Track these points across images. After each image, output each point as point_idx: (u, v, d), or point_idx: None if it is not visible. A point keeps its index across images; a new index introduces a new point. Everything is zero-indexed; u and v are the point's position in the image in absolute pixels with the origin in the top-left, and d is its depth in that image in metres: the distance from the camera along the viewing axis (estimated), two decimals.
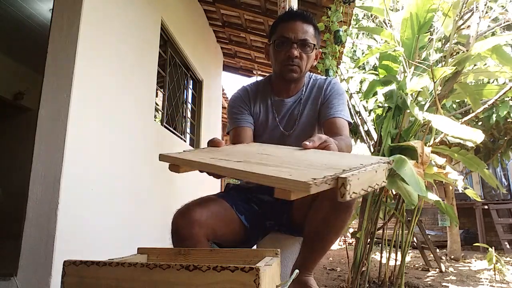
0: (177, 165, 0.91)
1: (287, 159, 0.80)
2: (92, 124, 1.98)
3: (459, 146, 2.06)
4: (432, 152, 1.78)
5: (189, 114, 4.10)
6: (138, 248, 1.04)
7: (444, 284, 2.67)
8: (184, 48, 3.63)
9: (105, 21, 2.14)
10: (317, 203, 1.13)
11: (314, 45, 1.26)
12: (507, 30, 3.90)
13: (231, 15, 4.47)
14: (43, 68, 1.81)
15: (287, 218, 1.31)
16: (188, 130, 4.06)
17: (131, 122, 2.45)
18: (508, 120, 4.06)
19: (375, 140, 2.34)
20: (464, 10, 2.00)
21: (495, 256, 2.52)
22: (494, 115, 3.89)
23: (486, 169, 1.93)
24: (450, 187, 4.63)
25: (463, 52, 1.96)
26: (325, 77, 1.39)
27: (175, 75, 3.63)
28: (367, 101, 3.09)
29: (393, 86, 2.11)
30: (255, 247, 1.42)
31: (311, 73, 1.42)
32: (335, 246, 6.45)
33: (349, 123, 1.30)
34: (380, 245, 2.50)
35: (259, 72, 5.77)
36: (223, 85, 5.73)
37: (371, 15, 4.82)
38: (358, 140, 5.45)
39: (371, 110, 3.87)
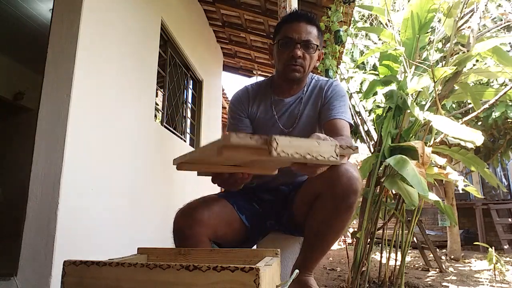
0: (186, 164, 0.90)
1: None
2: (92, 124, 1.98)
3: (459, 146, 2.06)
4: (433, 152, 1.78)
5: (189, 114, 4.10)
6: (138, 248, 1.04)
7: (444, 284, 2.67)
8: (184, 48, 3.63)
9: (105, 21, 2.14)
10: (318, 203, 1.13)
11: (317, 46, 1.28)
12: (507, 30, 3.90)
13: (231, 15, 4.47)
14: (43, 68, 1.81)
15: (287, 218, 1.32)
16: (188, 130, 4.06)
17: (131, 122, 2.45)
18: (508, 120, 4.06)
19: (375, 140, 2.34)
20: (465, 11, 2.00)
21: (495, 256, 2.52)
22: (493, 114, 3.90)
23: (487, 168, 1.93)
24: (450, 187, 4.63)
25: (464, 52, 1.96)
26: (327, 79, 1.40)
27: (175, 75, 3.63)
28: (366, 101, 3.09)
29: (393, 86, 2.11)
30: (255, 247, 1.42)
31: (314, 74, 1.43)
32: (335, 246, 6.45)
33: (350, 125, 1.30)
34: (380, 245, 2.50)
35: (259, 72, 5.77)
36: (223, 85, 5.73)
37: (369, 16, 4.83)
38: (358, 140, 5.46)
39: (370, 110, 3.87)
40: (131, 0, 2.51)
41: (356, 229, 2.06)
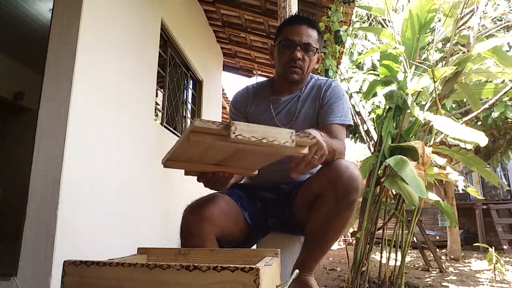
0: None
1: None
2: (92, 124, 1.98)
3: (459, 146, 2.06)
4: (433, 152, 1.78)
5: (189, 114, 4.10)
6: (138, 248, 1.04)
7: (444, 284, 2.67)
8: (184, 48, 3.63)
9: (105, 21, 2.14)
10: (319, 202, 1.13)
11: (317, 49, 1.31)
12: (507, 30, 3.90)
13: (231, 15, 4.47)
14: (43, 68, 1.81)
15: (288, 217, 1.32)
16: None
17: (131, 122, 2.45)
18: (508, 120, 4.06)
19: (375, 140, 2.34)
20: (465, 11, 2.00)
21: (495, 256, 2.52)
22: (493, 114, 3.90)
23: (487, 167, 1.93)
24: (450, 187, 4.63)
25: (464, 52, 1.96)
26: (326, 79, 1.42)
27: (175, 75, 3.63)
28: (366, 102, 3.09)
29: (393, 86, 2.11)
30: (255, 246, 1.42)
31: (313, 74, 1.45)
32: (335, 246, 6.45)
33: (349, 126, 1.32)
34: (380, 245, 2.50)
35: (259, 72, 5.77)
36: (223, 85, 5.73)
37: (369, 17, 4.83)
38: (358, 140, 5.46)
39: (370, 111, 3.87)
40: (131, 0, 2.51)
41: (356, 229, 2.06)
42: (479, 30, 2.00)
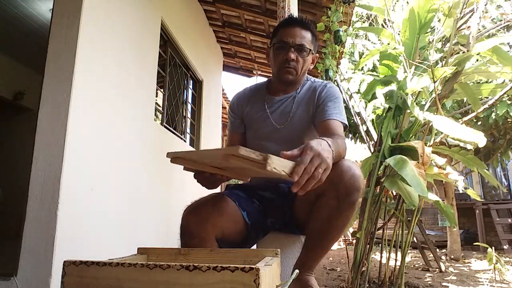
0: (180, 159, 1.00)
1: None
2: (92, 124, 1.98)
3: (459, 146, 2.06)
4: (432, 152, 1.78)
5: (189, 114, 4.10)
6: (138, 248, 1.04)
7: (444, 284, 2.67)
8: (184, 48, 3.63)
9: (105, 21, 2.14)
10: (321, 201, 1.14)
11: (310, 50, 1.34)
12: (507, 30, 3.90)
13: (231, 15, 4.47)
14: (43, 68, 1.81)
15: (288, 216, 1.32)
16: (188, 130, 4.06)
17: (131, 122, 2.45)
18: (508, 119, 4.06)
19: (375, 140, 2.34)
20: (464, 11, 2.00)
21: (495, 256, 2.52)
22: (493, 114, 3.89)
23: (486, 169, 1.93)
24: (450, 187, 4.63)
25: (463, 52, 1.96)
26: (322, 81, 1.44)
27: (175, 75, 3.63)
28: (366, 105, 3.09)
29: (393, 86, 2.11)
30: (254, 246, 1.42)
31: (310, 76, 1.47)
32: (335, 246, 6.45)
33: (345, 126, 1.31)
34: (380, 245, 2.50)
35: (259, 72, 5.77)
36: (223, 85, 5.73)
37: (368, 17, 4.83)
38: (358, 140, 5.45)
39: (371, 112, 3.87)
40: (131, 0, 2.51)
41: (356, 229, 2.06)
42: (479, 30, 2.00)
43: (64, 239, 1.66)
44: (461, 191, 1.85)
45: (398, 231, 2.19)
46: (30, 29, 3.87)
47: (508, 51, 3.61)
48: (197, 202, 1.20)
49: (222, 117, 5.54)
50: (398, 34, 2.07)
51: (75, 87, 1.80)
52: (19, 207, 1.80)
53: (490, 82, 3.50)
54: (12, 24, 3.79)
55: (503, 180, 7.40)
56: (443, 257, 4.47)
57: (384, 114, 2.12)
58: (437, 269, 3.37)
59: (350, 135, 5.37)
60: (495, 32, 2.93)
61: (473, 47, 1.87)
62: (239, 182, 1.52)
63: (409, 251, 4.06)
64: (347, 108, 4.44)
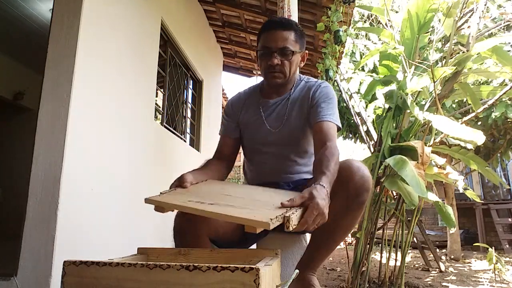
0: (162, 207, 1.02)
1: (245, 200, 1.02)
2: (92, 124, 1.98)
3: (459, 146, 2.06)
4: (432, 152, 1.78)
5: (189, 114, 4.10)
6: (138, 248, 1.04)
7: (444, 284, 2.67)
8: (184, 48, 3.63)
9: (105, 21, 2.14)
10: (330, 201, 1.13)
11: (294, 51, 1.30)
12: (507, 30, 3.90)
13: (231, 15, 4.47)
14: (43, 68, 1.81)
15: None
16: (188, 130, 4.06)
17: (131, 122, 2.45)
18: (508, 120, 4.06)
19: (375, 140, 2.34)
20: (464, 10, 2.00)
21: (495, 256, 2.52)
22: (493, 114, 3.89)
23: (487, 167, 1.93)
24: (450, 187, 4.63)
25: (463, 52, 1.96)
26: (316, 80, 1.42)
27: (175, 75, 3.62)
28: (366, 105, 3.09)
29: (393, 86, 2.11)
30: (254, 246, 1.42)
31: (304, 76, 1.46)
32: None
33: (338, 127, 1.30)
34: (380, 245, 2.50)
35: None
36: (223, 85, 5.73)
37: (369, 17, 4.83)
38: (358, 140, 5.45)
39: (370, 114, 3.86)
40: (131, 0, 2.51)
41: (356, 229, 2.06)
42: (479, 30, 2.00)
43: (64, 239, 1.66)
44: (461, 191, 1.85)
45: (398, 231, 2.19)
46: (30, 29, 3.87)
47: (508, 51, 3.61)
48: None
49: (222, 117, 5.53)
50: (398, 33, 2.07)
51: (75, 87, 1.80)
52: (19, 207, 1.80)
53: (490, 82, 3.51)
54: (12, 24, 3.79)
55: (503, 180, 7.40)
56: (443, 257, 4.47)
57: (384, 114, 2.12)
58: (437, 269, 3.37)
59: (350, 135, 5.37)
60: (496, 32, 2.93)
61: (473, 47, 1.87)
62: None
63: (409, 251, 4.06)
64: (347, 108, 4.44)
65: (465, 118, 1.98)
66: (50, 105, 1.77)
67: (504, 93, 1.85)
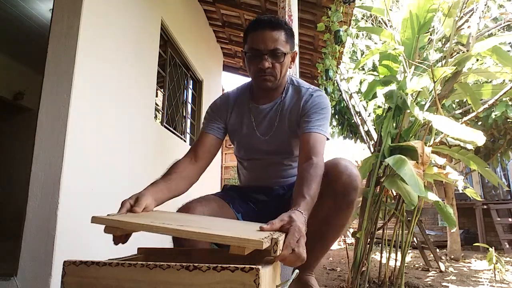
0: (115, 227, 0.84)
1: (215, 224, 0.92)
2: (92, 124, 1.98)
3: (459, 146, 2.06)
4: (432, 152, 1.78)
5: (189, 114, 4.10)
6: (138, 248, 1.04)
7: (444, 284, 2.66)
8: (184, 48, 3.63)
9: (105, 21, 2.14)
10: (318, 202, 1.14)
11: (285, 53, 1.22)
12: (507, 30, 3.90)
13: (231, 15, 4.47)
14: (43, 68, 1.81)
15: None
16: (188, 130, 4.06)
17: (131, 122, 2.45)
18: (508, 120, 4.06)
19: (375, 140, 2.34)
20: (464, 10, 2.00)
21: (495, 256, 2.52)
22: (493, 114, 3.89)
23: (487, 167, 1.93)
24: (450, 187, 4.63)
25: (463, 52, 1.96)
26: (308, 86, 1.34)
27: (175, 75, 3.63)
28: (367, 103, 3.09)
29: (393, 86, 2.11)
30: None
31: (293, 77, 1.38)
32: (335, 246, 6.45)
33: (327, 139, 1.25)
34: (380, 245, 2.50)
35: None
36: (223, 85, 5.73)
37: (370, 16, 4.83)
38: (358, 140, 5.45)
39: (370, 113, 3.86)
40: (131, 0, 2.51)
41: (356, 229, 2.06)
42: (479, 30, 2.00)
43: (64, 239, 1.66)
44: (460, 191, 1.86)
45: (398, 231, 2.19)
46: (30, 29, 3.87)
47: (508, 51, 3.61)
48: (187, 204, 1.20)
49: None
50: (398, 32, 2.07)
51: (75, 87, 1.80)
52: (19, 207, 1.80)
53: (490, 82, 3.51)
54: (12, 24, 3.79)
55: (503, 180, 7.39)
56: (443, 257, 4.47)
57: (384, 114, 2.12)
58: (437, 269, 3.37)
59: (350, 135, 5.37)
60: (496, 32, 2.93)
61: (473, 47, 1.87)
62: (235, 184, 1.52)
63: (409, 251, 4.06)
64: (347, 108, 4.44)
65: (465, 118, 1.98)
66: (50, 105, 1.77)
67: (504, 93, 1.85)
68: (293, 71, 2.07)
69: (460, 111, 3.06)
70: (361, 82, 3.72)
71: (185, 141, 3.79)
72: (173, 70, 3.57)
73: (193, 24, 4.08)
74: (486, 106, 1.92)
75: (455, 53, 2.11)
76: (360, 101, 3.50)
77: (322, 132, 1.21)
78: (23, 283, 1.59)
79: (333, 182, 1.11)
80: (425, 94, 2.08)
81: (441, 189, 5.10)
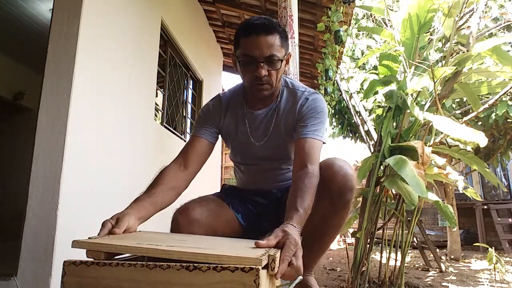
0: (98, 251, 0.77)
1: (206, 243, 0.87)
2: (92, 124, 1.98)
3: (458, 147, 2.06)
4: (432, 152, 1.78)
5: (189, 114, 4.10)
6: None
7: (444, 284, 2.66)
8: (184, 48, 3.63)
9: (105, 21, 2.14)
10: (315, 203, 1.14)
11: (282, 59, 1.16)
12: (507, 30, 3.90)
13: (231, 15, 4.47)
14: (43, 68, 1.81)
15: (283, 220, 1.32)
16: (188, 130, 4.06)
17: (131, 122, 2.45)
18: (508, 120, 4.06)
19: (375, 140, 2.34)
20: (464, 10, 2.00)
21: (495, 256, 2.52)
22: (493, 114, 3.89)
23: (487, 168, 1.93)
24: (450, 187, 4.63)
25: (463, 52, 1.96)
26: (304, 89, 1.29)
27: (175, 75, 3.63)
28: (366, 101, 3.09)
29: (393, 86, 2.11)
30: None
31: (287, 79, 1.34)
32: (335, 246, 6.45)
33: (324, 143, 1.22)
34: (380, 245, 2.50)
35: None
36: (223, 85, 5.73)
37: (371, 15, 4.83)
38: (358, 140, 5.46)
39: (371, 110, 3.87)
40: (131, 0, 2.51)
41: (356, 229, 2.05)
42: (479, 30, 2.00)
43: (64, 239, 1.66)
44: (460, 191, 1.85)
45: (398, 231, 2.19)
46: (30, 29, 3.87)
47: (508, 51, 3.61)
48: (186, 204, 1.20)
49: None
50: (398, 32, 2.07)
51: (75, 87, 1.80)
52: (19, 207, 1.80)
53: (490, 82, 3.50)
54: (12, 24, 3.79)
55: (503, 180, 7.39)
56: (443, 257, 4.47)
57: (384, 114, 2.12)
58: (437, 269, 3.37)
59: (350, 135, 5.37)
60: (496, 32, 2.93)
61: (473, 47, 1.87)
62: (234, 183, 1.52)
63: (409, 251, 4.05)
64: (347, 108, 4.44)
65: (465, 118, 1.98)
66: (50, 105, 1.77)
67: (505, 92, 1.85)
68: (293, 71, 2.07)
69: (460, 111, 3.06)
70: (363, 82, 3.73)
71: (185, 141, 3.79)
72: (173, 70, 3.57)
73: (193, 24, 4.08)
74: (486, 106, 1.92)
75: (455, 53, 2.11)
76: (360, 101, 3.50)
77: (317, 137, 1.18)
78: (23, 283, 1.59)
79: (328, 182, 1.11)
80: (425, 94, 2.08)
81: (441, 189, 5.11)
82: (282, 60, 1.16)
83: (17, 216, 1.82)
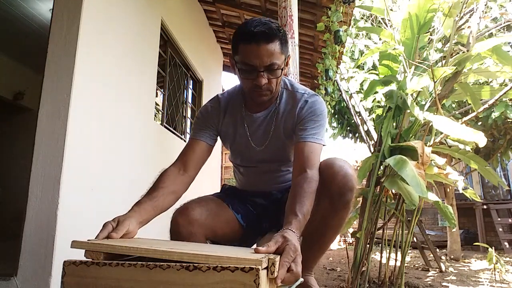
0: (97, 252, 0.76)
1: (205, 248, 0.85)
2: (92, 124, 1.98)
3: (458, 147, 2.06)
4: (432, 152, 1.78)
5: (189, 114, 4.10)
6: None
7: (444, 284, 2.66)
8: (184, 48, 3.63)
9: (105, 21, 2.14)
10: (315, 203, 1.14)
11: (282, 69, 1.14)
12: (507, 30, 3.90)
13: (231, 15, 4.47)
14: (43, 68, 1.81)
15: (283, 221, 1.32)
16: (188, 130, 4.06)
17: (131, 122, 2.45)
18: (508, 120, 4.06)
19: (375, 140, 2.34)
20: (464, 10, 2.00)
21: (495, 256, 2.52)
22: (493, 114, 3.89)
23: (487, 167, 1.93)
24: (450, 187, 4.63)
25: (463, 52, 1.96)
26: (303, 91, 1.27)
27: (175, 75, 3.63)
28: (366, 100, 3.09)
29: (393, 86, 2.11)
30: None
31: (287, 80, 1.32)
32: (335, 246, 6.45)
33: (323, 145, 1.21)
34: (380, 245, 2.50)
35: None
36: (223, 85, 5.73)
37: (370, 16, 4.83)
38: (358, 140, 5.46)
39: (371, 110, 3.87)
40: (131, 0, 2.51)
41: (356, 229, 2.06)
42: (479, 30, 2.00)
43: (64, 239, 1.66)
44: (460, 191, 1.85)
45: (398, 231, 2.19)
46: (30, 29, 3.87)
47: (508, 51, 3.61)
48: (186, 204, 1.20)
49: None
50: (398, 32, 2.07)
51: (75, 87, 1.80)
52: (19, 207, 1.80)
53: (490, 82, 3.51)
54: (12, 24, 3.79)
55: (503, 180, 7.39)
56: (443, 257, 4.47)
57: (384, 114, 2.12)
58: (437, 269, 3.37)
59: (350, 135, 5.37)
60: (496, 32, 2.93)
61: (473, 47, 1.87)
62: (234, 184, 1.52)
63: (409, 251, 4.06)
64: (347, 108, 4.44)
65: (465, 118, 1.98)
66: (50, 105, 1.77)
67: (504, 93, 1.85)
68: (293, 71, 2.07)
69: (460, 111, 3.06)
70: (363, 82, 3.73)
71: (185, 141, 3.79)
72: (173, 70, 3.57)
73: (193, 24, 4.08)
74: (486, 106, 1.92)
75: (455, 53, 2.11)
76: (361, 101, 3.50)
77: (317, 140, 1.17)
78: (23, 283, 1.59)
79: (328, 182, 1.11)
80: (425, 94, 2.08)
81: (441, 189, 5.11)
82: (282, 69, 1.14)
83: (17, 216, 1.82)
